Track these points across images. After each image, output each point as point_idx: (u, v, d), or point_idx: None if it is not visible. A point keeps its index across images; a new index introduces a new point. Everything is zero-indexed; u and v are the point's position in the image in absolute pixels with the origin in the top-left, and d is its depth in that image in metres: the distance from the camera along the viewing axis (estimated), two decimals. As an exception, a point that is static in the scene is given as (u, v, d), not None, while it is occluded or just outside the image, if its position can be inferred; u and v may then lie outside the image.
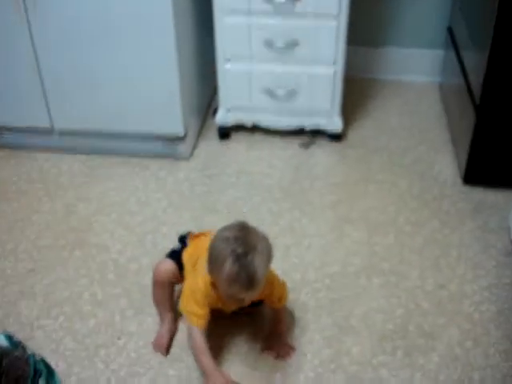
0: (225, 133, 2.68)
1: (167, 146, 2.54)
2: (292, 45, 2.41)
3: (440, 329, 1.90)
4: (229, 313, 1.79)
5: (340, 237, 2.23)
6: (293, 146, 2.66)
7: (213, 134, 2.72)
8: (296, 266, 2.11)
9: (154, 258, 2.08)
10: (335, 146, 2.66)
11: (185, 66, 2.41)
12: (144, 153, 2.57)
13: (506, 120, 2.24)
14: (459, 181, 2.46)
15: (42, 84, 2.43)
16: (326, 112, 2.57)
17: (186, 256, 1.80)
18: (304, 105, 2.55)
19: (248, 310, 1.83)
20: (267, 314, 1.88)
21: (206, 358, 1.64)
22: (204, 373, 1.67)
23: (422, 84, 3.04)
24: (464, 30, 2.55)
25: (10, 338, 1.63)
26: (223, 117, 2.64)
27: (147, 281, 2.02)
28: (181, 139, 2.51)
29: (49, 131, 2.57)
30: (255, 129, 2.69)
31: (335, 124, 2.61)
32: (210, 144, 2.68)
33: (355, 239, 2.21)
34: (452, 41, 2.74)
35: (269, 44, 2.42)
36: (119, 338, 1.88)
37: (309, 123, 2.62)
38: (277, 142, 2.67)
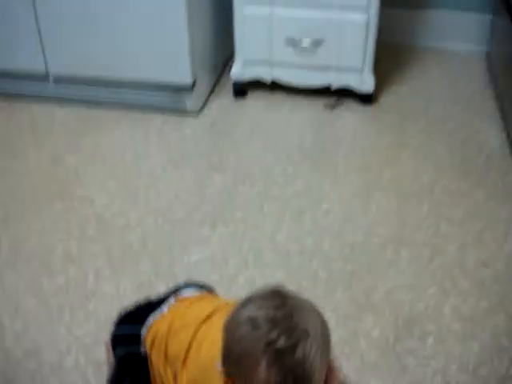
0: (240, 89, 2.31)
1: (174, 99, 2.19)
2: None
3: (482, 314, 1.49)
4: None
5: (365, 204, 1.84)
6: (317, 106, 2.28)
7: (227, 92, 2.35)
8: (309, 232, 1.73)
9: (143, 216, 1.76)
10: (365, 109, 2.27)
11: (194, 6, 2.05)
12: (147, 105, 2.22)
13: None
14: (508, 153, 2.05)
15: (37, 26, 2.11)
16: (356, 68, 2.19)
17: (158, 345, 1.13)
18: (331, 58, 2.17)
19: None
20: None
21: None
22: None
23: (466, 52, 2.63)
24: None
25: None
26: (239, 71, 2.27)
27: (133, 239, 1.67)
28: (188, 91, 2.15)
29: (44, 77, 2.25)
30: (275, 86, 2.31)
31: (366, 83, 2.22)
32: (224, 102, 2.31)
33: (383, 208, 1.82)
34: (504, 3, 2.33)
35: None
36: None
37: (336, 81, 2.23)
38: (299, 102, 2.29)
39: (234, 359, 0.89)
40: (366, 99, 2.27)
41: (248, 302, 0.92)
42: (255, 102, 2.32)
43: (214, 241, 1.71)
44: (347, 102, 2.29)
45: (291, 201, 1.84)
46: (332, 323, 1.20)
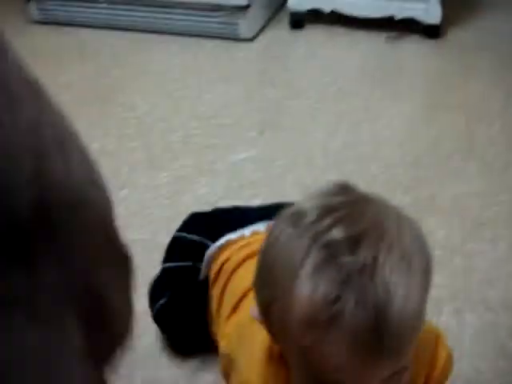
0: (298, 20, 2.15)
1: (227, 22, 2.04)
2: None
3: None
4: None
5: (430, 120, 1.64)
6: (378, 39, 2.08)
7: (284, 24, 2.18)
8: (366, 141, 1.54)
9: (187, 121, 1.61)
10: (430, 42, 2.06)
11: None
12: (199, 30, 2.08)
13: None
14: None
15: None
16: (423, -4, 1.99)
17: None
18: (396, -15, 1.98)
19: None
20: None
21: None
22: None
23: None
24: None
25: None
26: (297, 0, 2.10)
27: (174, 139, 1.51)
28: (243, 12, 1.99)
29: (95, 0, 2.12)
30: (334, 19, 2.13)
31: (432, 13, 2.02)
32: (279, 33, 2.14)
33: (449, 125, 1.62)
34: None
35: None
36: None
37: (400, 11, 2.04)
38: (359, 35, 2.11)
39: (266, 276, 0.58)
40: (432, 32, 2.07)
41: (302, 202, 0.61)
42: (313, 34, 2.14)
43: (261, 144, 1.53)
44: (411, 35, 2.09)
45: (347, 113, 1.66)
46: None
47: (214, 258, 0.87)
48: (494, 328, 1.04)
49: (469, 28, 2.14)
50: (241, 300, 0.78)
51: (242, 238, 0.88)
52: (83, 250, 0.33)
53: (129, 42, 2.07)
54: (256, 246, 0.78)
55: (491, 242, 1.22)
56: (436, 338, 0.71)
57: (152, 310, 0.96)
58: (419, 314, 0.53)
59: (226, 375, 0.76)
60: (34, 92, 0.31)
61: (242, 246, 0.86)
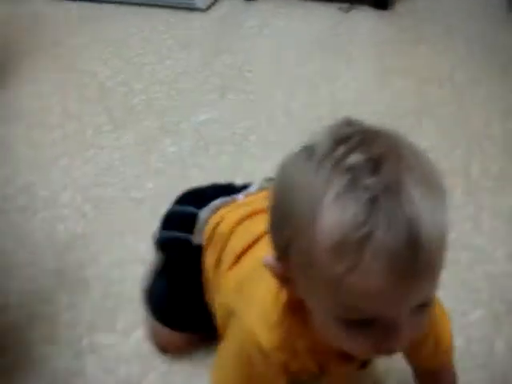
0: (251, -8, 2.16)
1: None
2: None
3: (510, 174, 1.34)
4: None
5: (383, 83, 1.69)
6: (331, 10, 2.11)
7: (237, -5, 2.19)
8: (325, 102, 1.57)
9: (148, 85, 1.62)
10: (381, 13, 2.11)
11: None
12: (155, 2, 2.06)
13: None
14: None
15: None
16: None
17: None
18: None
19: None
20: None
21: None
22: None
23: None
24: None
25: None
26: (251, -29, 2.12)
27: (137, 102, 1.52)
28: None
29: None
30: (288, -10, 2.15)
31: (382, -16, 2.06)
32: (234, 3, 2.15)
33: (401, 87, 1.67)
34: None
35: None
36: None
37: (351, -19, 2.08)
38: (312, 6, 2.13)
39: (283, 216, 0.55)
40: (382, 3, 2.12)
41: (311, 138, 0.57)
42: (267, 5, 2.16)
43: (222, 106, 1.56)
44: (362, 6, 2.13)
45: (305, 77, 1.69)
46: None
47: (206, 221, 0.85)
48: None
49: (417, 1, 2.20)
50: (239, 257, 0.77)
51: (236, 200, 0.87)
52: None
53: (88, 12, 2.05)
54: (250, 207, 0.83)
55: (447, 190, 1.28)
56: (442, 313, 0.73)
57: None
58: (445, 232, 0.52)
59: (223, 327, 0.75)
60: None
61: (236, 208, 0.85)
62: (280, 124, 1.48)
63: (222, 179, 1.21)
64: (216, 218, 0.84)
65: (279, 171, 0.58)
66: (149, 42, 1.86)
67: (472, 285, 1.06)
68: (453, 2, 2.19)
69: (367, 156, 0.51)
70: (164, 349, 0.93)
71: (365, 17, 2.07)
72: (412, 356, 0.75)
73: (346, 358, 0.66)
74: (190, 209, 0.87)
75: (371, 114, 1.46)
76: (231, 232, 0.81)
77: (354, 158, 0.51)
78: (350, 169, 0.50)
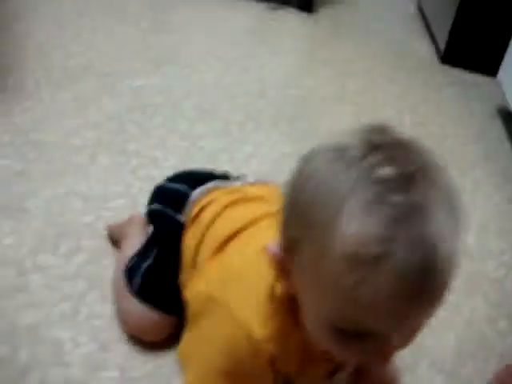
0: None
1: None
2: None
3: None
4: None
5: (308, 71, 1.88)
6: (258, 7, 2.23)
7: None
8: (254, 81, 1.70)
9: (85, 51, 1.65)
10: (305, 15, 2.25)
11: None
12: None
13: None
14: (436, 59, 2.10)
15: None
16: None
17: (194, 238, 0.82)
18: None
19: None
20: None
21: None
22: None
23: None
24: None
25: None
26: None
27: (74, 64, 1.56)
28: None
29: None
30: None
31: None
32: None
33: (324, 76, 1.81)
34: None
35: None
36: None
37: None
38: (240, 4, 2.23)
39: (300, 211, 0.53)
40: (305, 7, 2.27)
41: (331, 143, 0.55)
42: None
43: (158, 75, 1.62)
44: (288, 7, 2.27)
45: (236, 60, 1.80)
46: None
47: (196, 201, 0.84)
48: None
49: (339, 7, 2.37)
50: (225, 243, 0.75)
51: (231, 186, 0.86)
52: None
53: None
54: (243, 193, 0.83)
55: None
56: None
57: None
58: (456, 262, 0.51)
59: (198, 313, 0.73)
60: None
61: (229, 192, 0.83)
62: (212, 95, 1.57)
63: (157, 135, 1.29)
64: (206, 199, 0.83)
65: (303, 162, 0.55)
66: (83, 15, 1.89)
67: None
68: (370, 9, 2.38)
69: (399, 172, 0.49)
70: (136, 330, 0.87)
71: (291, 16, 2.20)
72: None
73: (330, 359, 0.66)
74: (184, 187, 0.86)
75: (294, 97, 1.61)
76: (218, 215, 0.79)
77: (388, 171, 0.49)
78: (380, 181, 0.48)
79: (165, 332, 0.86)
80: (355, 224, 0.47)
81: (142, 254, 0.89)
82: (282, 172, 0.60)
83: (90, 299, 0.94)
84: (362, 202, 0.47)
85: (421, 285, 0.48)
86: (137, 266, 0.88)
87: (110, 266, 0.98)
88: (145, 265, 0.87)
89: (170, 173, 0.97)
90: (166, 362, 0.87)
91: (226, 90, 1.61)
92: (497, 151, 1.62)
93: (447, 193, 0.51)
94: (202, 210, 0.82)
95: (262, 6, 2.24)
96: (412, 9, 2.53)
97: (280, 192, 0.58)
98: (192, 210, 0.83)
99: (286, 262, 0.56)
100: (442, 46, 2.08)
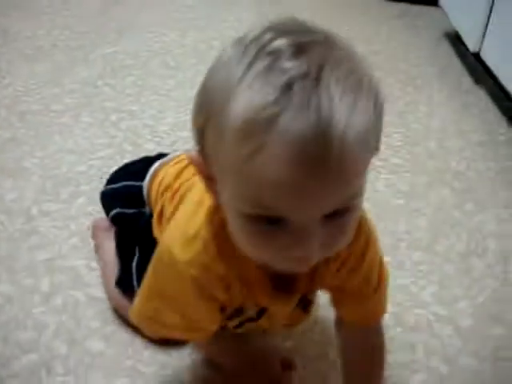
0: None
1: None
2: None
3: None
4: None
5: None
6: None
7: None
8: (213, 38, 1.77)
9: (50, 30, 1.72)
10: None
11: None
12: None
13: None
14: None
15: None
16: None
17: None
18: None
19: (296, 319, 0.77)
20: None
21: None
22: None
23: None
24: None
25: None
26: None
27: (41, 44, 1.62)
28: None
29: None
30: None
31: None
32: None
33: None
34: None
35: None
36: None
37: None
38: None
39: (202, 97, 0.52)
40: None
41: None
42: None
43: (123, 44, 1.72)
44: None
45: (195, 20, 1.88)
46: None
47: (150, 187, 0.85)
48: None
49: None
50: (179, 204, 0.74)
51: (174, 157, 0.86)
52: None
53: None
54: (178, 167, 0.81)
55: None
56: (365, 229, 0.65)
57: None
58: (365, 139, 0.47)
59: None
60: None
61: (176, 163, 0.83)
62: (176, 53, 1.66)
63: (131, 92, 1.38)
64: (158, 179, 0.83)
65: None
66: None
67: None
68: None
69: (294, 41, 0.47)
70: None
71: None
72: (337, 293, 0.70)
73: (279, 290, 0.64)
74: (132, 183, 0.86)
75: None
76: (178, 177, 0.80)
77: (280, 42, 0.47)
78: (272, 52, 0.47)
79: None
80: (246, 95, 0.46)
81: (123, 258, 0.88)
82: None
83: (97, 232, 1.03)
84: (254, 74, 0.46)
85: (315, 153, 0.45)
86: (126, 272, 0.86)
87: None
88: (133, 264, 0.85)
89: (150, 123, 1.05)
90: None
91: (187, 47, 1.70)
92: (448, 67, 1.73)
93: (350, 69, 0.47)
94: (158, 189, 0.82)
95: None
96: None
97: None
98: (151, 195, 0.84)
99: (204, 166, 0.55)
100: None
